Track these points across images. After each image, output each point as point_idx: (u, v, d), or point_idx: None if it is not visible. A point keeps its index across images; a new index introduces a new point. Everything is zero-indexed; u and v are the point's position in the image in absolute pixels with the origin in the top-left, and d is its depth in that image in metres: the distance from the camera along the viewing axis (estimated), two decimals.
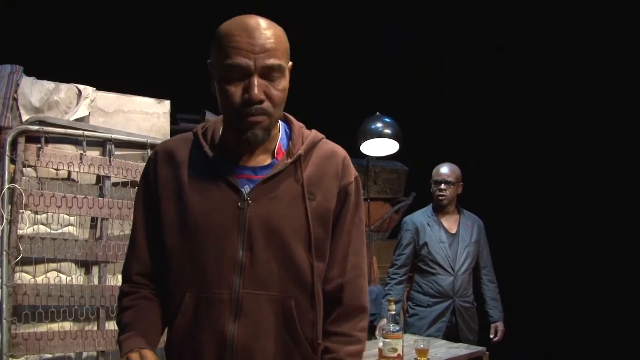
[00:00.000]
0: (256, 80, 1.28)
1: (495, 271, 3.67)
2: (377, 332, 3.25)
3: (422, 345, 2.55)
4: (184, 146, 1.43)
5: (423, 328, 3.39)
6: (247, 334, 1.30)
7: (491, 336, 3.53)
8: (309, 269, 1.35)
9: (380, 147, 4.61)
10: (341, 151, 1.48)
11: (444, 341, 3.01)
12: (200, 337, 1.32)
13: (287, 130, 1.47)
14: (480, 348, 2.92)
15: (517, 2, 4.51)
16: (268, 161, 1.40)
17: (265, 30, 1.30)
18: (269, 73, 1.29)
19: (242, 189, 1.35)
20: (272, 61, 1.29)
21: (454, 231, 3.54)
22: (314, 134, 1.47)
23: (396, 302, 3.34)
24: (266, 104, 1.30)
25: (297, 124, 1.48)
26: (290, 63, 1.38)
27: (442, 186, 3.53)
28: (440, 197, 3.54)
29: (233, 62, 1.28)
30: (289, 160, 1.38)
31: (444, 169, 3.57)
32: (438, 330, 3.38)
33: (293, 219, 1.35)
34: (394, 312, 2.52)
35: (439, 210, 3.59)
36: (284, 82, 1.33)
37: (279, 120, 1.46)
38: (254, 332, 1.30)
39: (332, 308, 1.41)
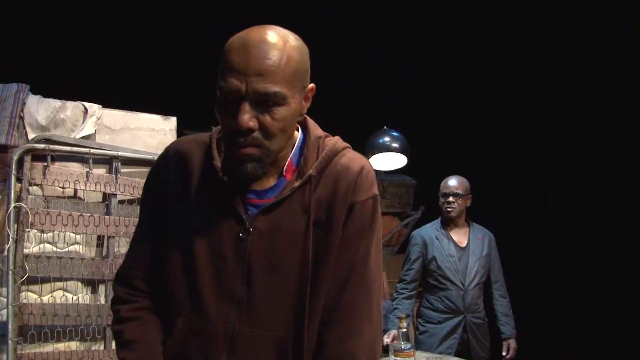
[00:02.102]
0: (246, 106, 1.12)
1: (507, 286, 3.59)
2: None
3: None
4: (198, 151, 1.30)
5: (434, 345, 3.31)
6: None
7: (503, 353, 3.44)
8: (305, 311, 1.20)
9: (388, 161, 4.59)
10: (356, 165, 1.26)
11: (456, 358, 2.95)
12: None
13: (303, 142, 1.29)
14: None
15: (526, 22, 4.49)
16: (274, 182, 1.25)
17: (267, 48, 1.12)
18: (263, 100, 1.12)
19: (245, 217, 1.22)
20: (265, 87, 1.11)
21: (464, 245, 3.47)
22: (331, 145, 1.27)
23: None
24: (257, 134, 1.14)
25: (315, 134, 1.29)
26: (311, 85, 1.23)
27: (451, 199, 3.45)
28: (448, 210, 3.46)
29: (223, 84, 1.13)
30: (297, 184, 1.22)
31: (452, 182, 3.50)
32: (449, 347, 3.30)
33: (296, 253, 1.21)
34: (405, 330, 2.47)
35: (448, 223, 3.51)
36: (284, 111, 1.14)
37: (299, 129, 1.31)
38: None
39: (318, 347, 1.23)
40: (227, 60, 1.13)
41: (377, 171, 4.78)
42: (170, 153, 1.35)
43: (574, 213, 4.45)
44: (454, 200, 3.45)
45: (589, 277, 4.28)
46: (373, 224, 1.27)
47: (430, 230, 3.55)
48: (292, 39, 1.18)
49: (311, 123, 1.33)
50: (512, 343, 3.45)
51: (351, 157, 1.29)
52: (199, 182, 1.28)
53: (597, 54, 4.24)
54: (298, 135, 1.31)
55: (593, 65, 4.26)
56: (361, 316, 1.23)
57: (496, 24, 4.63)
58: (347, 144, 1.33)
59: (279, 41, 1.14)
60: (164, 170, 1.33)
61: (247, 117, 1.12)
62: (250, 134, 1.13)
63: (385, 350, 3.03)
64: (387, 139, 4.52)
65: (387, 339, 3.07)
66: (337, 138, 1.33)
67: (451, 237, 3.47)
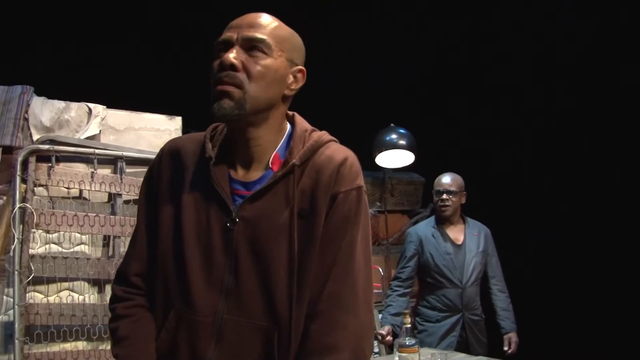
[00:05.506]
0: (234, 49, 1.22)
1: (505, 280, 3.54)
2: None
3: (439, 359, 2.47)
4: (192, 147, 1.35)
5: (433, 344, 3.24)
6: None
7: (505, 348, 3.39)
8: (291, 301, 1.20)
9: (395, 158, 4.55)
10: (340, 156, 1.28)
11: (463, 355, 2.92)
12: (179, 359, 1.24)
13: (290, 136, 1.33)
14: None
15: (531, 15, 4.45)
16: (260, 174, 1.29)
17: (261, 14, 1.28)
18: (251, 46, 1.23)
19: (232, 207, 1.25)
20: (254, 33, 1.23)
21: (460, 242, 3.42)
22: (316, 137, 1.31)
23: (397, 315, 3.25)
24: (240, 74, 1.20)
25: (301, 127, 1.33)
26: (301, 67, 1.31)
27: (444, 196, 3.41)
28: (442, 208, 3.42)
29: (219, 39, 1.25)
30: (280, 173, 1.25)
31: (446, 179, 3.46)
32: (449, 345, 3.25)
33: (281, 243, 1.22)
34: (409, 326, 2.45)
35: (443, 221, 3.47)
36: (268, 61, 1.23)
37: (287, 124, 1.35)
38: None
39: (302, 339, 1.21)
40: (226, 27, 1.27)
41: (385, 169, 4.76)
42: (165, 151, 1.39)
43: (575, 211, 4.40)
44: (447, 197, 3.40)
45: (589, 270, 4.24)
46: (358, 215, 1.26)
47: (426, 228, 3.51)
48: (282, 23, 1.30)
49: (299, 118, 1.36)
50: (513, 337, 3.39)
51: (335, 149, 1.31)
52: (191, 175, 1.31)
53: (605, 46, 4.20)
54: (287, 129, 1.34)
55: (600, 60, 4.22)
56: (346, 308, 1.21)
57: (499, 19, 4.59)
58: (333, 137, 1.36)
59: (273, 17, 1.29)
60: (159, 167, 1.37)
61: (233, 55, 1.21)
62: (233, 71, 1.20)
63: (390, 346, 3.02)
64: (394, 136, 4.48)
65: (383, 332, 3.10)
66: (323, 132, 1.36)
67: (447, 235, 3.43)
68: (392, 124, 4.59)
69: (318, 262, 1.22)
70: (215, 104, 1.21)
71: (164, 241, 1.29)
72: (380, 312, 4.18)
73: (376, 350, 4.15)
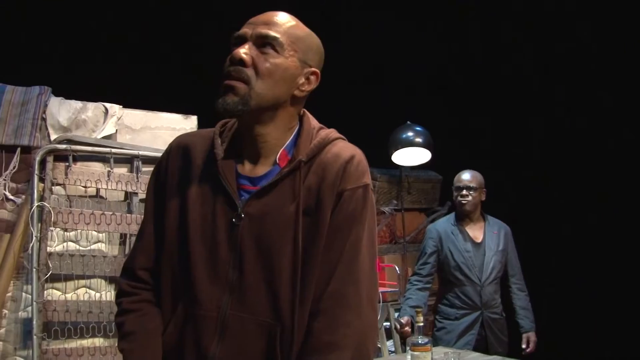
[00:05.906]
0: (246, 44, 1.23)
1: (525, 279, 3.51)
2: (395, 326, 3.17)
3: (452, 359, 2.46)
4: (200, 143, 1.35)
5: (451, 342, 3.24)
6: (229, 358, 1.22)
7: (523, 346, 3.37)
8: (294, 298, 1.21)
9: (412, 156, 4.53)
10: (346, 154, 1.28)
11: (477, 354, 2.89)
12: (184, 354, 1.25)
13: (298, 133, 1.33)
14: None
15: (548, 11, 4.40)
16: (267, 169, 1.28)
17: (279, 12, 1.28)
18: (263, 43, 1.23)
19: (238, 202, 1.25)
20: (267, 31, 1.23)
21: (479, 240, 3.40)
22: (324, 135, 1.31)
23: (413, 307, 3.24)
24: (248, 70, 1.21)
25: (310, 124, 1.33)
26: (315, 69, 1.30)
27: (464, 192, 3.39)
28: (462, 203, 3.40)
29: (235, 34, 1.26)
30: (286, 170, 1.25)
31: (466, 175, 3.44)
32: (467, 343, 3.23)
33: (286, 240, 1.22)
34: (422, 324, 2.43)
35: (463, 217, 3.45)
36: (278, 59, 1.23)
37: (297, 123, 1.34)
38: (237, 356, 1.22)
39: (305, 336, 1.21)
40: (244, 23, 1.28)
41: (402, 167, 4.74)
42: (173, 146, 1.39)
43: (596, 209, 4.34)
44: (467, 193, 3.39)
45: (610, 269, 4.18)
46: (364, 213, 1.26)
47: (446, 224, 3.49)
48: (304, 25, 1.31)
49: (308, 116, 1.36)
50: (532, 336, 3.37)
51: (343, 147, 1.30)
52: (199, 170, 1.31)
53: (629, 40, 4.13)
54: (296, 128, 1.34)
55: (621, 57, 4.15)
56: (349, 306, 1.21)
57: (520, 16, 4.54)
58: (340, 135, 1.35)
59: (291, 17, 1.30)
60: (167, 162, 1.37)
61: (244, 50, 1.22)
62: (242, 66, 1.21)
63: (404, 343, 3.01)
64: (410, 133, 4.47)
65: (402, 321, 3.09)
66: (332, 129, 1.35)
67: (467, 232, 3.41)
68: (408, 122, 4.58)
69: (322, 260, 1.22)
70: (220, 99, 1.22)
71: (170, 235, 1.30)
72: (396, 310, 4.18)
73: (392, 349, 4.15)
